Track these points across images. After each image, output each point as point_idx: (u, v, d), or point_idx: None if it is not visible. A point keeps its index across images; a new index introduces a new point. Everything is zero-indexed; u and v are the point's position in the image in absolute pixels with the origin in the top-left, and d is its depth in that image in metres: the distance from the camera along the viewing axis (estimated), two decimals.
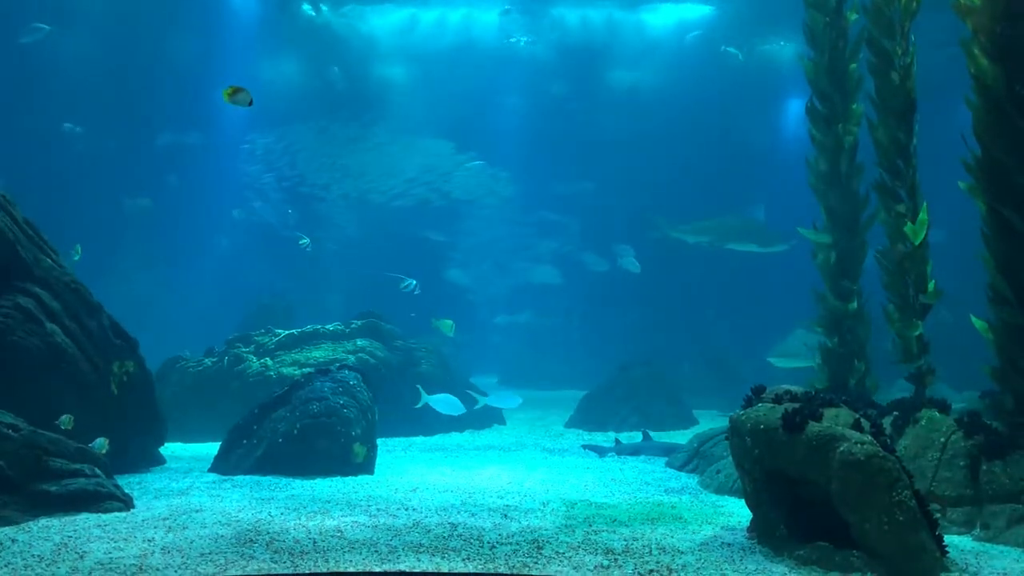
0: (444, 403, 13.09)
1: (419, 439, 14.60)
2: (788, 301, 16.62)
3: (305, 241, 17.44)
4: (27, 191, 11.83)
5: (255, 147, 26.36)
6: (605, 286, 24.73)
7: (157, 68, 23.29)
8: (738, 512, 8.60)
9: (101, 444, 9.26)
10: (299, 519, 8.12)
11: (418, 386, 13.52)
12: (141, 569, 6.38)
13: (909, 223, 9.77)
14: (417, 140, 25.91)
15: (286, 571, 6.41)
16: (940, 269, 9.56)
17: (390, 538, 7.41)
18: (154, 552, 6.85)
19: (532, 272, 25.88)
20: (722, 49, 23.74)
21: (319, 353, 15.65)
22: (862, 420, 7.19)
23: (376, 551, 6.97)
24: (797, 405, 7.32)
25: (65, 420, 9.25)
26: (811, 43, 11.30)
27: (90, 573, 6.27)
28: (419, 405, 13.34)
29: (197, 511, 8.46)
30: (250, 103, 9.23)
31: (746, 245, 19.88)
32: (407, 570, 6.48)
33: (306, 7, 25.05)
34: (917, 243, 9.73)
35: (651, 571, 6.50)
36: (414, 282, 16.88)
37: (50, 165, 22.96)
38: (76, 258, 13.42)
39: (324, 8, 25.20)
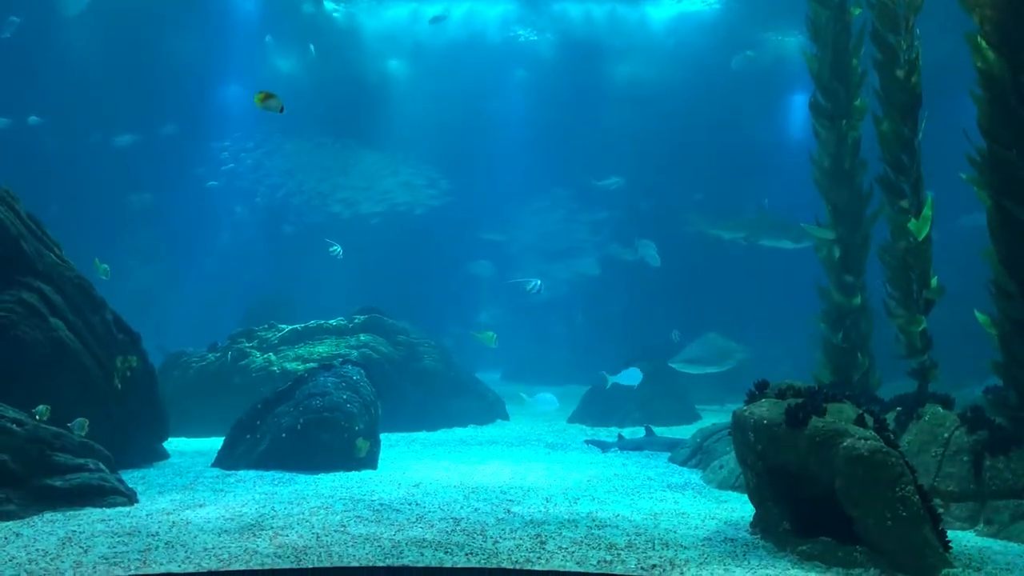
0: (542, 402, 13.87)
1: (422, 434, 14.61)
2: (792, 296, 16.57)
3: (336, 248, 17.34)
4: (28, 186, 11.79)
5: (245, 147, 26.41)
6: (608, 282, 24.71)
7: (156, 63, 23.26)
8: (741, 507, 8.60)
9: (80, 424, 9.21)
10: (302, 514, 8.12)
11: (522, 394, 13.92)
12: (145, 564, 6.38)
13: (913, 219, 9.75)
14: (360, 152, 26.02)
15: (290, 566, 6.41)
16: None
17: (393, 533, 7.42)
18: (158, 546, 6.86)
19: (574, 266, 25.66)
20: (745, 55, 23.66)
21: (322, 348, 15.67)
22: (865, 415, 7.18)
23: (379, 546, 6.98)
24: (800, 400, 7.32)
25: (42, 410, 9.06)
26: (814, 38, 11.27)
27: (94, 568, 6.28)
28: (526, 406, 14.55)
29: (200, 506, 8.47)
30: (281, 110, 9.22)
31: (780, 242, 19.68)
32: (410, 565, 6.49)
33: (306, 5, 25.00)
34: (921, 238, 9.71)
35: (654, 566, 6.50)
36: (538, 282, 17.06)
37: (50, 160, 22.97)
38: (104, 277, 13.45)
39: (327, 4, 25.15)
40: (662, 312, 22.96)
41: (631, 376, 14.41)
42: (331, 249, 17.31)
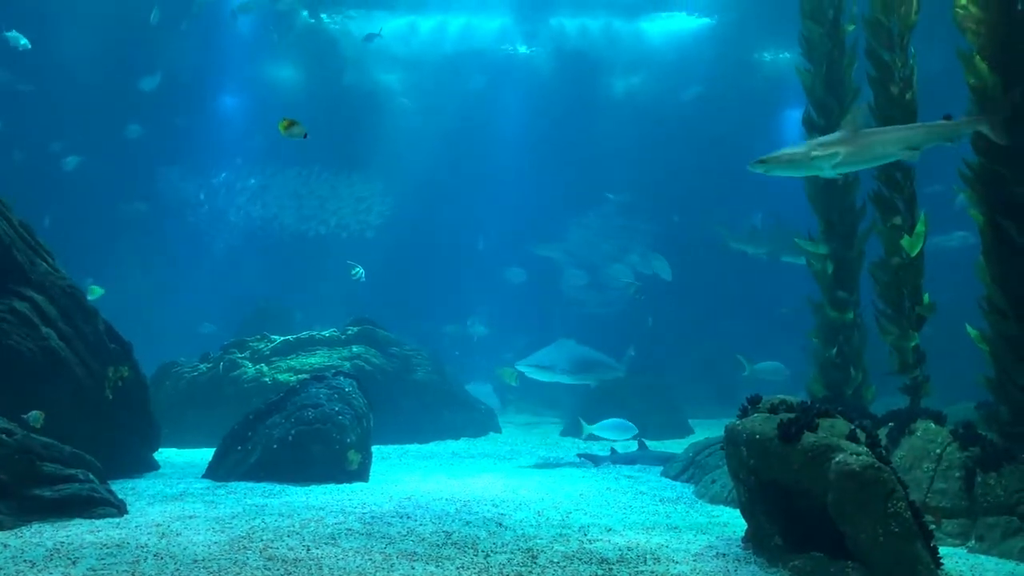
0: (613, 428, 13.38)
1: (414, 447, 14.57)
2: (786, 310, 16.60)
3: (358, 270, 17.28)
4: (22, 194, 11.76)
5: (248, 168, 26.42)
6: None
7: (154, 71, 23.27)
8: (733, 522, 8.58)
9: (36, 418, 9.08)
10: (293, 526, 8.08)
11: (609, 421, 13.49)
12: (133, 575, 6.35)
13: (906, 235, 9.78)
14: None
15: None
16: None
17: (384, 546, 7.39)
18: (147, 558, 6.81)
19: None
20: (693, 90, 24.01)
21: (315, 359, 15.63)
22: (858, 431, 7.18)
23: (370, 559, 6.95)
24: (793, 415, 7.31)
25: None
26: (807, 54, 11.31)
27: None
28: (584, 436, 14.06)
29: (191, 517, 8.42)
30: (305, 136, 9.17)
31: (799, 258, 19.75)
32: None
33: (304, 13, 25.03)
34: (913, 255, 9.73)
35: None
36: (636, 283, 17.24)
37: (44, 169, 22.91)
38: (92, 297, 13.40)
39: (324, 16, 25.19)
40: (656, 325, 22.96)
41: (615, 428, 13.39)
42: (353, 272, 17.22)
